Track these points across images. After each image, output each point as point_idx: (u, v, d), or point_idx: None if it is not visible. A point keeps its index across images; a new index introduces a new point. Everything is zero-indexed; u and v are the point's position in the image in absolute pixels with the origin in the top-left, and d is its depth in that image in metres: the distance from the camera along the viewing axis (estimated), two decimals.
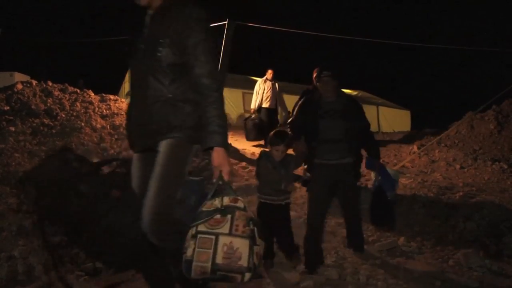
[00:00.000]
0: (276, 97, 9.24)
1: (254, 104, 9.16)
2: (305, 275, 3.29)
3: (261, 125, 8.78)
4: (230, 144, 6.94)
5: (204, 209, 1.98)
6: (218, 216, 1.95)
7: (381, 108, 19.44)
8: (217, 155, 2.03)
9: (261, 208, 3.43)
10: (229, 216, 1.96)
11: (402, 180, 6.71)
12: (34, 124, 6.69)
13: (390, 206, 3.99)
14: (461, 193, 5.86)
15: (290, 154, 3.54)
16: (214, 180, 2.05)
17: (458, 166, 7.77)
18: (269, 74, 9.14)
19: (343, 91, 3.87)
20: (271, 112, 9.12)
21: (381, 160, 3.95)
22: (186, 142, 2.12)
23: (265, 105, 9.00)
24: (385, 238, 4.31)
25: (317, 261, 3.49)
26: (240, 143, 8.75)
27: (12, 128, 6.42)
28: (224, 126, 2.05)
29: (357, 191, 3.90)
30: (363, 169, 3.89)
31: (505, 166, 7.57)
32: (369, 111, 18.83)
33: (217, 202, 2.00)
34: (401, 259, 3.81)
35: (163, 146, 2.12)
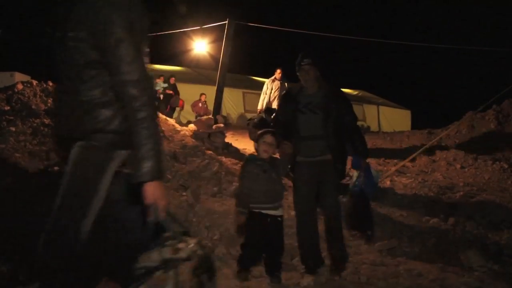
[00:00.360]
0: None
1: (261, 105, 8.76)
2: (305, 275, 3.29)
3: (264, 123, 8.67)
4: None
5: (140, 265, 1.60)
6: (159, 273, 1.58)
7: (381, 108, 19.46)
8: (150, 189, 1.61)
9: (253, 219, 3.04)
10: (171, 273, 1.58)
11: (403, 180, 6.72)
12: (35, 124, 6.69)
13: (370, 212, 3.74)
14: (461, 193, 5.86)
15: (277, 158, 3.28)
16: (149, 219, 1.63)
17: (458, 166, 7.76)
18: (278, 73, 8.72)
19: (325, 82, 3.47)
20: None
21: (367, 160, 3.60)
22: (104, 146, 1.67)
23: (274, 105, 8.52)
24: (386, 238, 4.31)
25: (316, 262, 3.33)
26: (240, 143, 8.75)
27: (13, 128, 6.42)
28: (158, 150, 1.65)
29: (335, 191, 3.43)
30: (348, 167, 3.68)
31: (506, 166, 7.57)
32: (370, 111, 18.88)
33: (155, 256, 1.61)
34: (401, 259, 3.81)
35: (72, 153, 1.68)
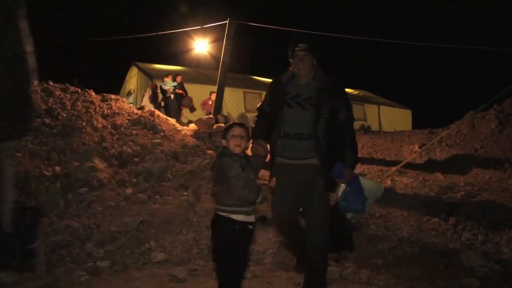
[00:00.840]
0: None
1: None
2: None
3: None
4: None
5: None
6: None
7: (382, 107, 19.47)
8: None
9: (221, 225, 2.57)
10: None
11: (403, 180, 6.71)
12: (35, 124, 6.70)
13: (346, 232, 3.23)
14: (462, 193, 5.86)
15: (250, 155, 2.81)
16: None
17: (459, 166, 7.75)
18: None
19: (323, 73, 2.96)
20: None
21: (356, 168, 3.08)
22: None
23: None
24: (386, 237, 4.31)
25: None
26: None
27: None
28: None
29: (324, 208, 2.92)
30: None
31: (506, 166, 7.56)
32: (371, 110, 18.89)
33: None
34: (402, 258, 3.81)
35: None
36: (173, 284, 3.20)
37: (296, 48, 2.86)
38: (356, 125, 16.63)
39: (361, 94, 20.88)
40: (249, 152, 2.80)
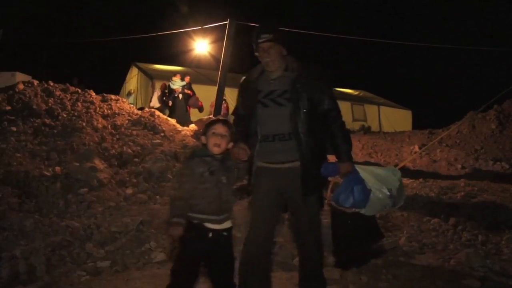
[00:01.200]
0: None
1: None
2: None
3: None
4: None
5: None
6: None
7: (382, 108, 19.46)
8: None
9: (190, 233, 2.30)
10: None
11: (403, 180, 6.70)
12: (36, 124, 6.70)
13: (353, 236, 2.67)
14: (462, 193, 5.86)
15: (231, 158, 2.50)
16: None
17: (459, 166, 7.76)
18: None
19: (295, 61, 2.62)
20: None
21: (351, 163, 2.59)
22: None
23: None
24: (386, 238, 4.31)
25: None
26: None
27: (14, 128, 6.42)
28: None
29: (314, 218, 2.59)
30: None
31: (507, 166, 7.57)
32: (371, 111, 18.88)
33: None
34: (402, 258, 3.81)
35: None
36: None
37: (259, 41, 2.53)
38: (356, 125, 16.62)
39: (361, 94, 20.88)
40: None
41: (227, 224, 2.40)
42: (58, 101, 7.81)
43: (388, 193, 2.71)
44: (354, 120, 17.13)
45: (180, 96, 11.44)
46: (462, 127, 9.86)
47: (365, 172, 2.65)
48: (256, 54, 2.60)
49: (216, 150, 2.38)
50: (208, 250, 2.34)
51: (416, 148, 9.07)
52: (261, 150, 2.57)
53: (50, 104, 7.54)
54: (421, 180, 6.71)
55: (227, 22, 10.66)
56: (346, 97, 18.64)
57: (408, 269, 3.53)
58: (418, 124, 16.90)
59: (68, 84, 8.91)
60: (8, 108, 7.24)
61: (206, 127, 2.45)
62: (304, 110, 2.49)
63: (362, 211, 2.61)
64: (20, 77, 11.49)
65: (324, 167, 2.57)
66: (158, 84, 13.20)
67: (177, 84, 11.62)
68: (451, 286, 3.25)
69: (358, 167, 2.65)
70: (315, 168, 2.53)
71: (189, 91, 11.78)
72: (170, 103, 11.37)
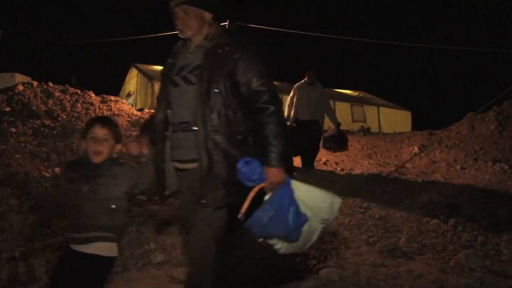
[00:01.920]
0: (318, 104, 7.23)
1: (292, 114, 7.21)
2: (305, 275, 3.29)
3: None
4: None
5: None
6: None
7: (382, 109, 19.48)
8: None
9: (63, 259, 2.03)
10: None
11: (403, 180, 6.72)
12: (35, 125, 6.70)
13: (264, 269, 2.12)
14: (461, 194, 5.87)
15: (130, 164, 2.07)
16: None
17: (458, 167, 7.76)
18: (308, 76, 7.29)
19: (220, 28, 2.05)
20: (310, 123, 7.07)
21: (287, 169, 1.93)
22: None
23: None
24: (386, 239, 4.32)
25: None
26: None
27: (13, 129, 6.43)
28: None
29: (207, 241, 1.92)
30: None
31: (506, 167, 7.57)
32: (370, 112, 18.90)
33: None
34: (401, 259, 3.81)
35: None
36: (173, 285, 3.20)
37: (172, 4, 2.00)
38: (356, 126, 16.64)
39: (360, 95, 20.89)
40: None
41: (94, 250, 1.91)
42: (58, 102, 7.82)
43: (322, 226, 1.98)
44: (354, 121, 17.15)
45: None
46: (462, 128, 9.87)
47: (300, 192, 1.91)
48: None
49: (96, 159, 1.95)
50: (72, 277, 1.89)
51: (416, 149, 9.07)
52: (171, 144, 2.02)
53: (49, 105, 7.55)
54: (420, 180, 6.72)
55: (227, 23, 10.67)
56: (345, 98, 18.69)
57: (407, 270, 3.53)
58: (417, 125, 16.94)
59: (67, 85, 8.91)
60: (8, 109, 7.25)
61: (85, 128, 2.02)
62: (216, 91, 1.86)
63: (283, 248, 1.93)
64: (20, 78, 11.50)
65: (241, 164, 1.83)
66: (157, 86, 13.23)
67: None
68: (451, 286, 3.25)
69: (293, 184, 1.91)
70: (226, 172, 1.87)
71: None
72: None
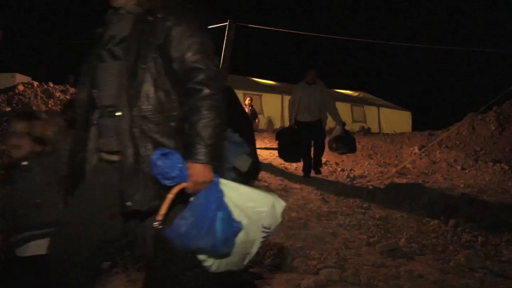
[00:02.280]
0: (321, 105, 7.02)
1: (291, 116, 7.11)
2: (305, 276, 3.29)
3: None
4: None
5: None
6: None
7: (382, 109, 19.50)
8: None
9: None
10: None
11: (404, 181, 6.71)
12: None
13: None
14: (462, 194, 5.87)
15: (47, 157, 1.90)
16: None
17: (459, 167, 7.76)
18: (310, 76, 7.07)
19: None
20: (310, 124, 6.89)
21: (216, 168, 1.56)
22: None
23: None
24: (386, 239, 4.32)
25: None
26: None
27: None
28: None
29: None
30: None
31: (506, 167, 7.57)
32: (371, 112, 18.91)
33: None
34: (402, 260, 3.81)
35: None
36: None
37: None
38: (356, 126, 16.65)
39: (361, 95, 20.90)
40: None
41: (28, 250, 1.75)
42: (58, 102, 7.82)
43: (263, 235, 1.63)
44: (354, 121, 17.17)
45: None
46: (462, 129, 9.87)
47: (233, 194, 1.56)
48: None
49: (16, 154, 1.81)
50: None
51: (416, 149, 9.07)
52: (99, 131, 1.67)
53: (50, 105, 7.55)
54: (420, 181, 6.71)
55: (227, 23, 10.67)
56: (345, 98, 18.70)
57: (408, 270, 3.53)
58: (417, 125, 16.98)
59: (67, 85, 8.92)
60: (8, 109, 7.25)
61: (8, 125, 1.88)
62: (144, 67, 1.54)
63: (214, 265, 1.59)
64: (20, 78, 11.51)
65: (157, 155, 1.47)
66: None
67: None
68: (451, 287, 3.25)
69: (224, 185, 1.56)
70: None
71: None
72: None
